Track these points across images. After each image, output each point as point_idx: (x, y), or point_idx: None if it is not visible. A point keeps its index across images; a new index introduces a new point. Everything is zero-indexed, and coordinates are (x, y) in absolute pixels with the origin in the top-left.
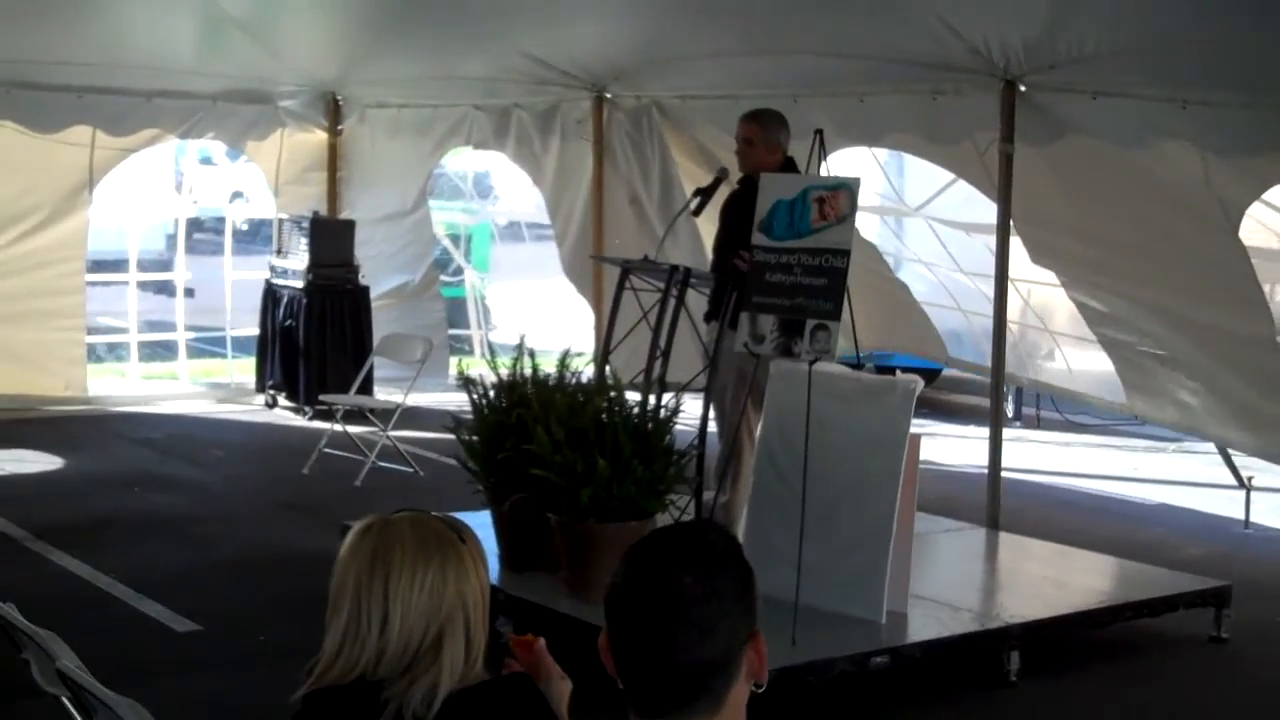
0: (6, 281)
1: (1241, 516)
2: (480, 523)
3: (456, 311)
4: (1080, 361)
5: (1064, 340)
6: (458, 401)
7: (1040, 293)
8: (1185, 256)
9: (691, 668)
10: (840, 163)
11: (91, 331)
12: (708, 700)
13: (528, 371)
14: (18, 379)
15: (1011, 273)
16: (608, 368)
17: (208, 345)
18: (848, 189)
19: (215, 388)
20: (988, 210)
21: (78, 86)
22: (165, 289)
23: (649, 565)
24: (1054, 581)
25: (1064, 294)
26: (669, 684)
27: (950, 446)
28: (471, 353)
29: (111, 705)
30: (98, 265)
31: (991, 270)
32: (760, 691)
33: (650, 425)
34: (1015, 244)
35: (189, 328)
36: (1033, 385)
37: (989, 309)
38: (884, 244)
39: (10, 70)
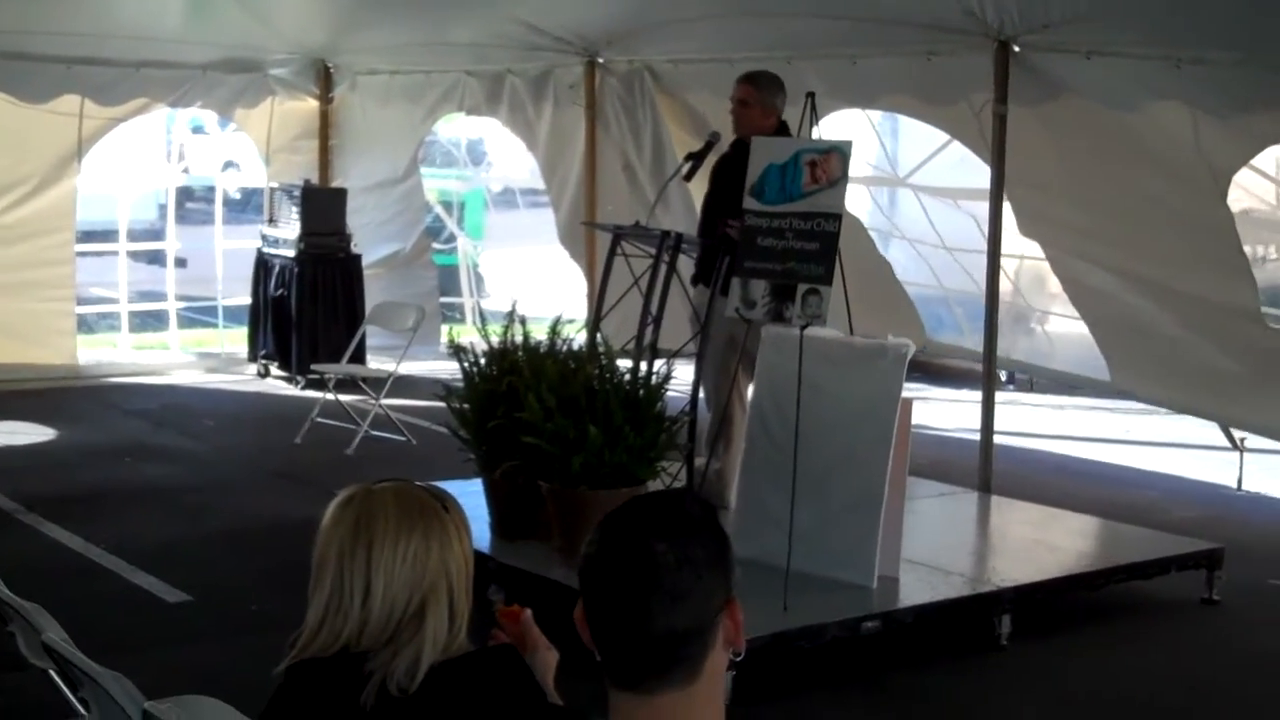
0: None
1: (1234, 479)
2: (472, 491)
3: (449, 279)
4: (1063, 337)
5: (1047, 315)
6: (450, 370)
7: (1025, 267)
8: (1172, 223)
9: (665, 636)
10: (834, 126)
11: (82, 302)
12: (683, 669)
13: (519, 339)
14: (8, 350)
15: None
16: (599, 334)
17: (199, 315)
18: (840, 152)
19: (207, 357)
20: (980, 175)
21: (66, 57)
22: (157, 259)
23: (622, 533)
24: (1046, 545)
25: (1048, 268)
26: (643, 653)
27: (942, 410)
28: (464, 321)
29: (96, 678)
30: (88, 235)
31: (976, 245)
32: (739, 659)
33: (642, 392)
34: (1006, 214)
35: (180, 297)
36: (1014, 365)
37: (971, 286)
38: (873, 220)
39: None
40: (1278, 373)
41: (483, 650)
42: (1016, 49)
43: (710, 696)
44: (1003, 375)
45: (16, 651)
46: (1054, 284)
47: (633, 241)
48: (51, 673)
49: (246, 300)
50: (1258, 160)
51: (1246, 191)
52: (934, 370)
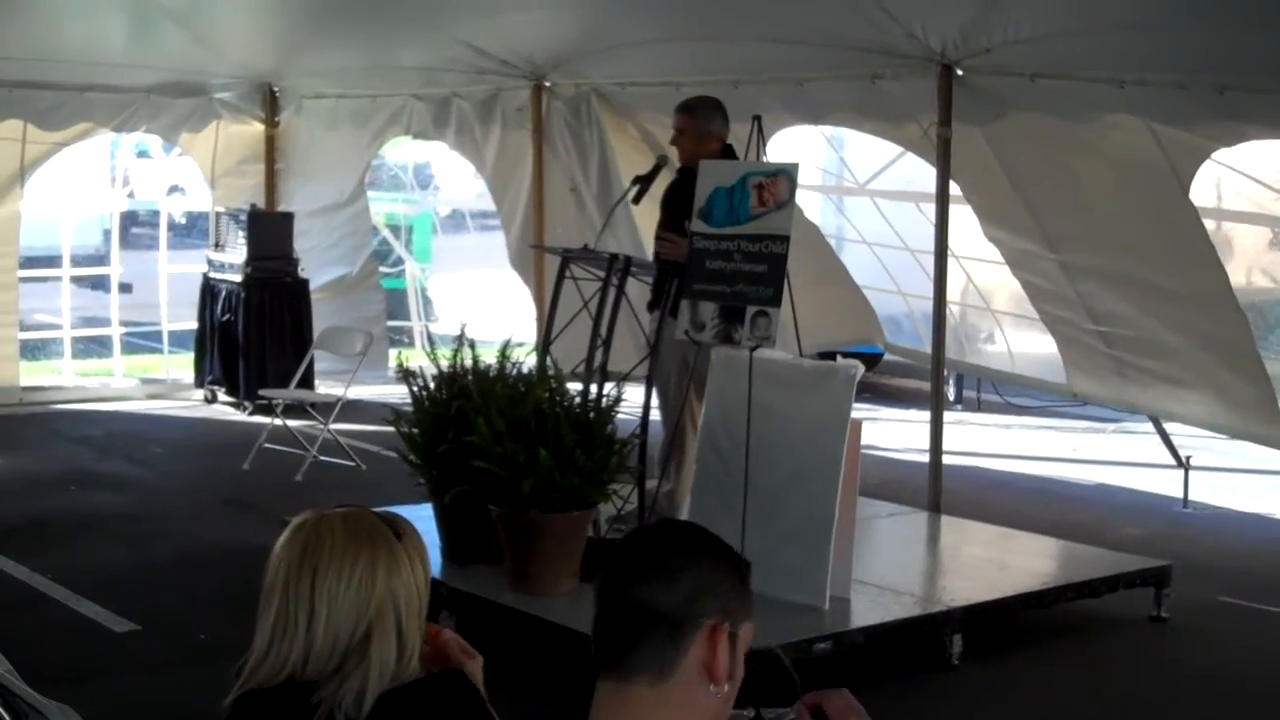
0: None
1: (1180, 496)
2: (422, 516)
3: (397, 303)
4: (1021, 343)
5: (1005, 320)
6: (398, 394)
7: (982, 272)
8: (1135, 219)
9: (641, 605)
10: (783, 140)
11: (24, 328)
12: (651, 654)
13: (468, 362)
14: None
15: (955, 249)
16: (549, 358)
17: (143, 340)
18: (787, 174)
19: (152, 383)
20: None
21: (8, 80)
22: (100, 284)
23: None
24: (996, 564)
25: (1006, 273)
26: (618, 616)
27: (892, 431)
28: (412, 345)
29: (40, 709)
30: (32, 261)
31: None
32: (714, 695)
33: (592, 415)
34: (958, 219)
35: (124, 323)
36: (973, 370)
37: (930, 290)
38: (825, 224)
39: None
40: (1240, 367)
41: (431, 676)
42: (960, 72)
43: (685, 710)
44: (950, 395)
45: None
46: (1014, 288)
47: (582, 264)
48: None
49: (192, 325)
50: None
51: (1206, 191)
52: (882, 390)
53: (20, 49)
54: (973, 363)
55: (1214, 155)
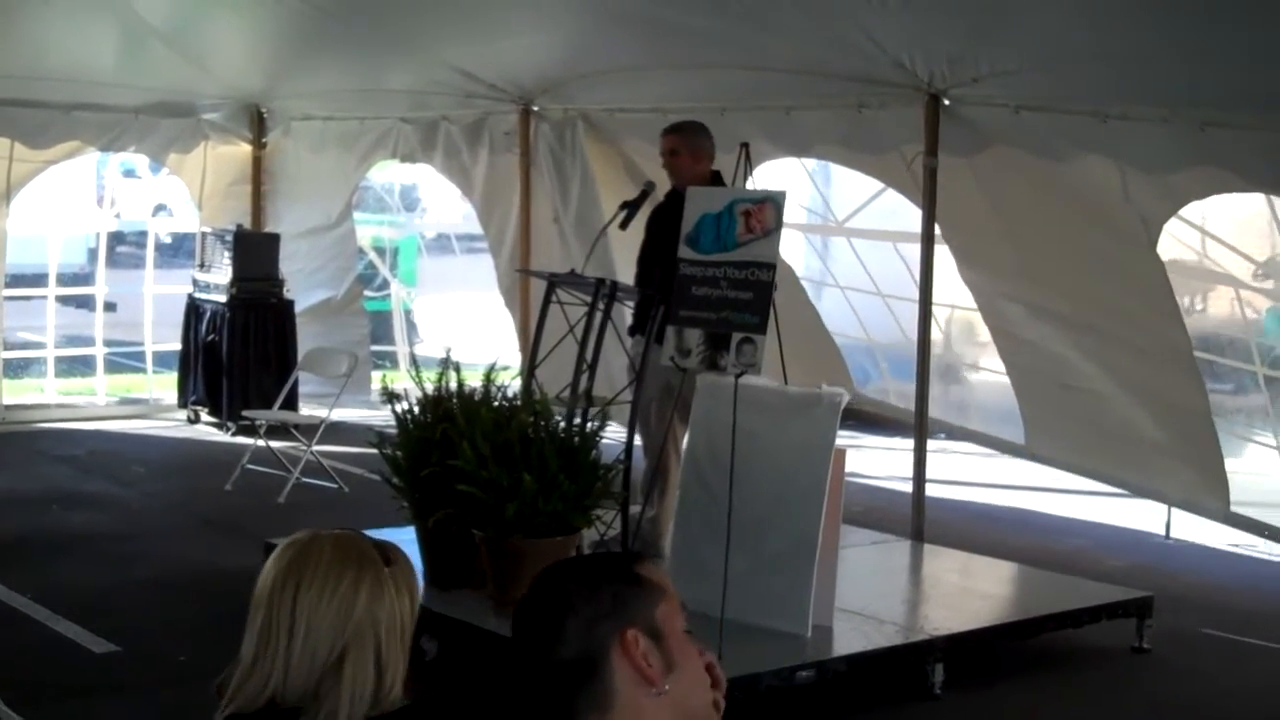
0: None
1: (1162, 528)
2: (405, 539)
3: (381, 326)
4: (985, 395)
5: (974, 369)
6: (382, 417)
7: (955, 318)
8: (1103, 270)
9: (553, 669)
10: (768, 173)
11: (8, 346)
12: (583, 700)
13: (453, 386)
14: None
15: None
16: (534, 382)
17: (127, 360)
18: (774, 202)
19: (135, 403)
20: (917, 219)
21: None
22: (86, 303)
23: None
24: (978, 594)
25: (978, 318)
26: (540, 687)
27: (875, 459)
28: (396, 368)
29: None
30: (17, 280)
31: (910, 293)
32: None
33: (576, 440)
34: (939, 260)
35: (108, 342)
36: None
37: (899, 337)
38: (808, 267)
39: None
40: (1198, 439)
41: (412, 705)
42: (946, 102)
43: None
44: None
45: None
46: (983, 335)
47: (568, 289)
48: None
49: (176, 346)
50: (1184, 210)
51: (1175, 239)
52: (866, 418)
53: (9, 67)
54: (936, 416)
55: (1181, 211)
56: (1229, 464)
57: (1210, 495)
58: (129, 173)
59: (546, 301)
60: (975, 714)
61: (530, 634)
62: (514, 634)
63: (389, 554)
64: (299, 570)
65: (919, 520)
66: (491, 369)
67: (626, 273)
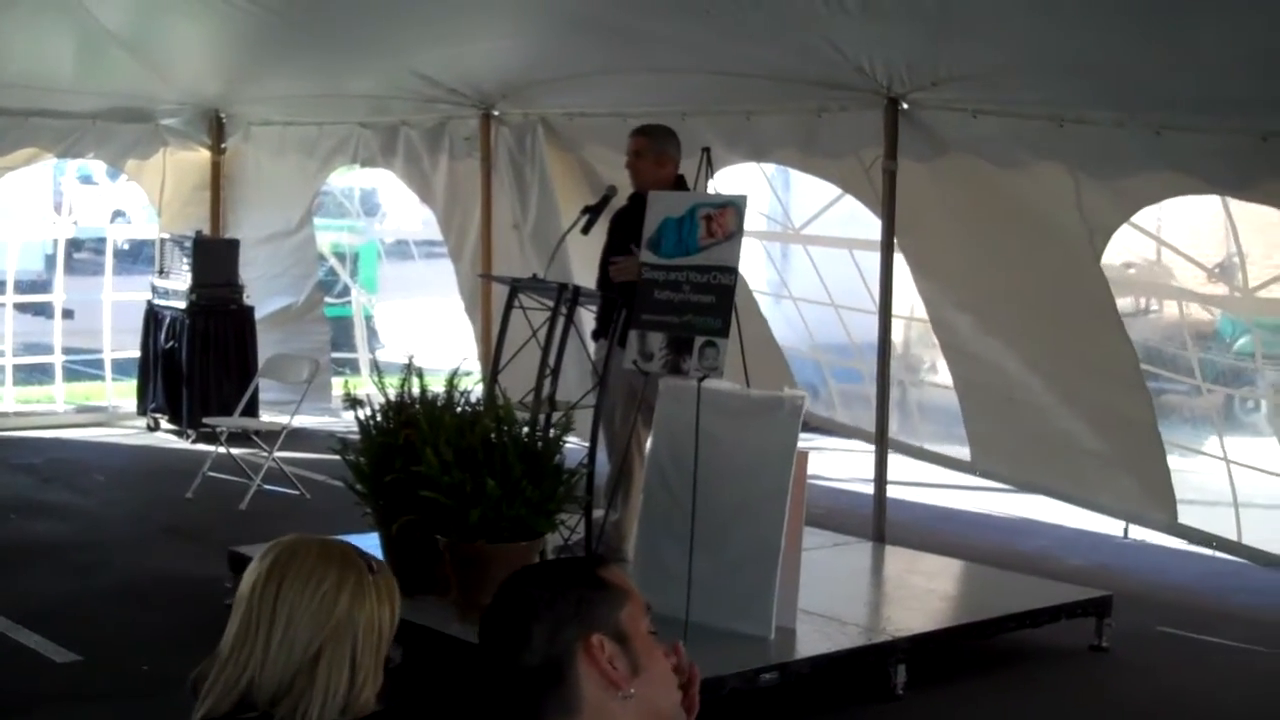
0: None
1: (1121, 528)
2: (369, 545)
3: (341, 332)
4: (932, 409)
5: (920, 384)
6: (344, 424)
7: (907, 331)
8: (1048, 281)
9: (519, 677)
10: (728, 178)
11: None
12: (551, 705)
13: (416, 391)
14: None
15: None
16: (497, 387)
17: (85, 368)
18: (735, 207)
19: (94, 411)
20: (873, 227)
21: None
22: (43, 310)
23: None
24: (939, 594)
25: (928, 329)
26: (508, 696)
27: (835, 461)
28: (357, 374)
29: None
30: None
31: (864, 304)
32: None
33: (540, 445)
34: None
35: (67, 350)
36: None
37: (849, 352)
38: (767, 278)
39: None
40: (1143, 451)
41: (385, 710)
42: (905, 106)
43: None
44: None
45: None
46: (932, 352)
47: (530, 294)
48: None
49: (135, 353)
50: (1138, 217)
51: (1128, 246)
52: (822, 422)
53: None
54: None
55: (1133, 219)
56: (1180, 463)
57: (1156, 507)
58: (85, 179)
59: (509, 306)
60: (937, 714)
61: (496, 640)
62: (480, 640)
63: (373, 562)
64: (284, 566)
65: (880, 522)
66: (454, 374)
67: (584, 278)
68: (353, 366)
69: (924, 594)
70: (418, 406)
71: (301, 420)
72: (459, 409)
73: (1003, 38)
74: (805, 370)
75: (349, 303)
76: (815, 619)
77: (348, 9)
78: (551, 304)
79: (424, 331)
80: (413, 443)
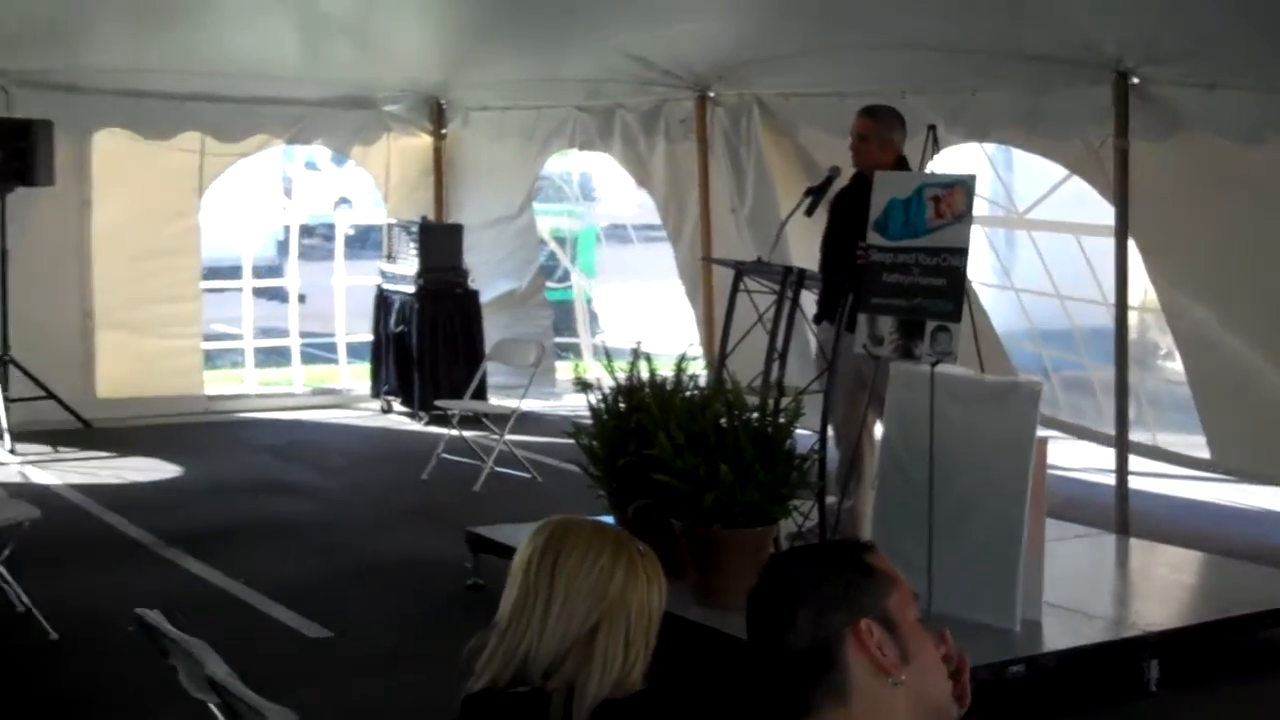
0: (126, 289)
1: None
2: None
3: (562, 316)
4: (1165, 404)
5: (1146, 375)
6: (567, 407)
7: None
8: None
9: (786, 659)
10: (948, 159)
11: (207, 338)
12: (820, 690)
13: (644, 375)
14: (138, 385)
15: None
16: (724, 371)
17: (320, 351)
18: (964, 186)
19: (329, 393)
20: (1100, 211)
21: (185, 94)
22: (277, 294)
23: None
24: (1189, 588)
25: (1155, 320)
26: (776, 678)
27: (1066, 450)
28: (580, 358)
29: (263, 711)
30: (212, 272)
31: (1090, 293)
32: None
33: (770, 429)
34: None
35: (301, 334)
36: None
37: (1072, 351)
38: (990, 264)
39: (122, 79)
40: None
41: (651, 689)
42: (1135, 80)
43: (885, 713)
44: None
45: (173, 685)
46: (1165, 339)
47: (755, 277)
48: (213, 706)
49: (366, 337)
50: None
51: None
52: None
53: (195, 63)
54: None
55: None
56: None
57: None
58: (310, 166)
59: (734, 290)
60: (1192, 712)
61: (761, 623)
62: (747, 623)
63: (641, 547)
64: (559, 542)
65: (1123, 513)
66: (683, 358)
67: (803, 259)
68: (575, 351)
69: (1173, 586)
70: (647, 391)
71: (529, 404)
72: (688, 393)
73: (1239, 6)
74: (1026, 361)
75: (570, 287)
76: (1060, 611)
77: None
78: (776, 287)
79: (644, 315)
80: (644, 427)
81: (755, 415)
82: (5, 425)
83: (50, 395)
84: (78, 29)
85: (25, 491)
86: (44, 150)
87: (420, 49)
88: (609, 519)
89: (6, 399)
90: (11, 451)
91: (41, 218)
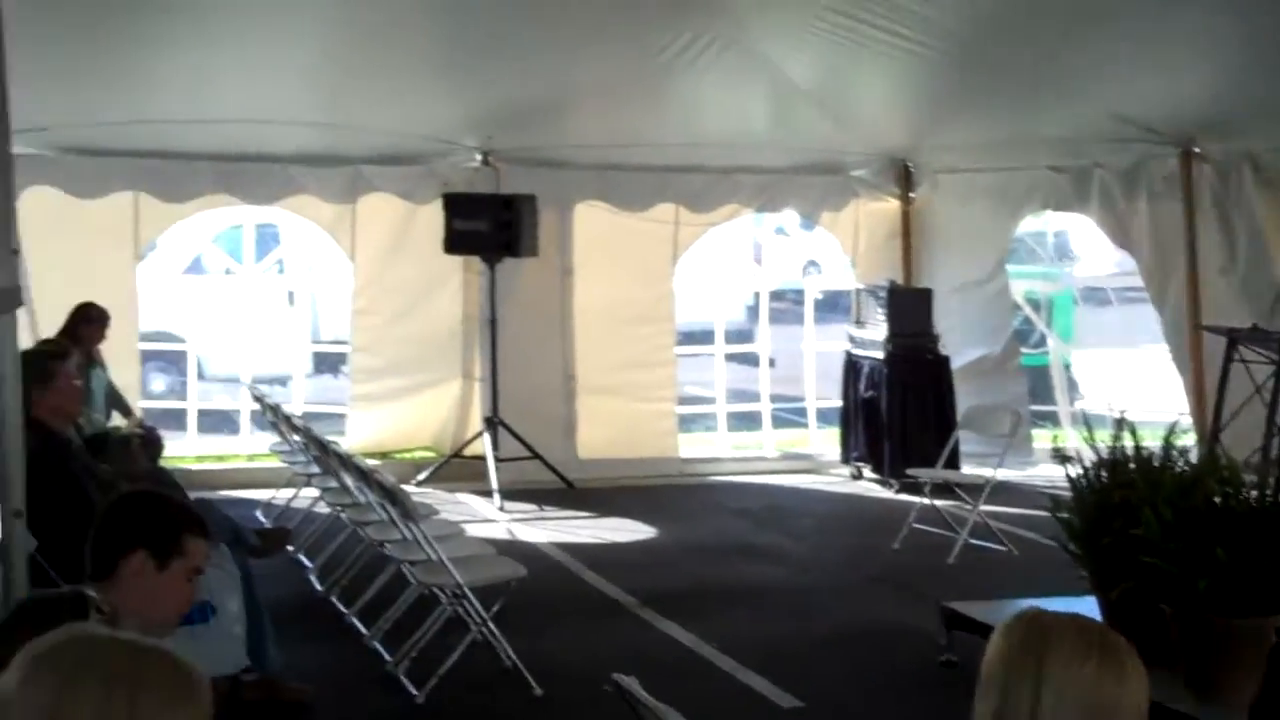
0: (606, 354)
1: None
2: (1084, 609)
3: (1039, 382)
4: None
5: None
6: (1043, 478)
7: None
8: None
9: None
10: None
11: (682, 402)
12: None
13: (1129, 448)
14: (616, 447)
15: None
16: (1218, 445)
17: (790, 415)
18: None
19: (800, 459)
20: None
21: (660, 166)
22: (747, 359)
23: None
24: None
25: None
26: None
27: None
28: (1057, 426)
29: None
30: (686, 337)
31: None
32: None
33: (1271, 508)
34: None
35: (772, 397)
36: None
37: None
38: None
39: (600, 154)
40: None
41: None
42: None
43: None
44: None
45: None
46: None
47: (1250, 346)
48: None
49: (836, 402)
50: None
51: None
52: None
53: (667, 135)
54: None
55: None
56: None
57: None
58: (780, 232)
59: (1228, 359)
60: None
61: None
62: None
63: (1123, 643)
64: (1041, 643)
65: None
66: (1172, 430)
67: None
68: (1053, 419)
69: None
70: (1132, 465)
71: (1004, 474)
72: (1177, 468)
73: None
74: None
75: (1045, 352)
76: None
77: (1033, 44)
78: (1275, 356)
79: (1127, 381)
80: (1129, 503)
81: (1253, 494)
82: (495, 484)
83: (536, 456)
84: (559, 109)
85: (513, 549)
86: (529, 223)
87: (888, 114)
88: (1090, 600)
89: (497, 459)
90: (500, 509)
91: (527, 287)
